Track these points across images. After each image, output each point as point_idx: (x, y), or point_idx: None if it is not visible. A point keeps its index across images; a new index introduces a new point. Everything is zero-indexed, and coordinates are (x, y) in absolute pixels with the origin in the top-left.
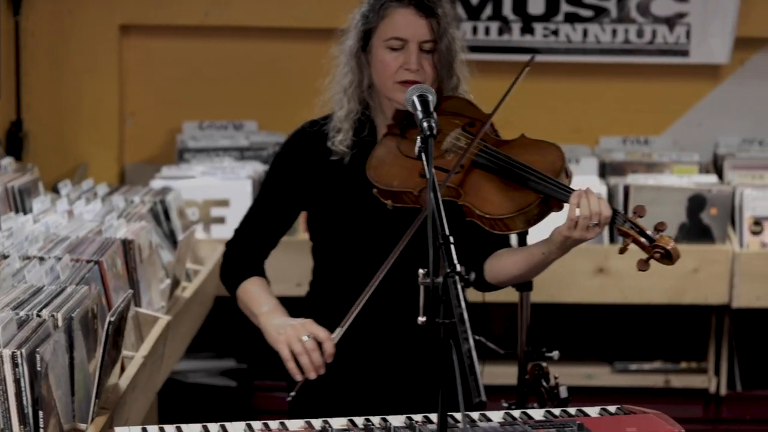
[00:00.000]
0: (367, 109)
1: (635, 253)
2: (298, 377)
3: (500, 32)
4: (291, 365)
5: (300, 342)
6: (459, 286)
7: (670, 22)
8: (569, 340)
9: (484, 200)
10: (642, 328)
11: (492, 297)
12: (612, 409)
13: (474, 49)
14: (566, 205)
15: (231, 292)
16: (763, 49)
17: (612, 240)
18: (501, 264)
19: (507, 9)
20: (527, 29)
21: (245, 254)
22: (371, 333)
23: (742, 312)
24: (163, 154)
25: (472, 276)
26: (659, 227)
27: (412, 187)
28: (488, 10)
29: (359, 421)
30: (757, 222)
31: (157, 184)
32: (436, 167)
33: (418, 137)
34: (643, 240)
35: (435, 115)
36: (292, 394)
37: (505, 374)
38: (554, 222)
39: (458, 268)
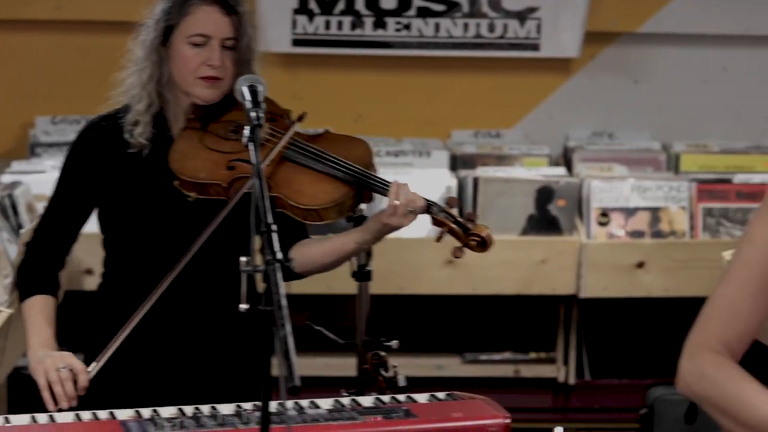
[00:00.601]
0: (161, 104)
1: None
2: (51, 406)
3: (353, 27)
4: (45, 394)
5: (56, 371)
6: (279, 274)
7: (521, 16)
8: (419, 332)
9: (296, 192)
10: (491, 319)
11: (341, 289)
12: (441, 395)
13: (327, 43)
14: (377, 197)
15: (21, 299)
16: (613, 44)
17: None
18: (309, 253)
19: (360, 4)
20: (380, 24)
21: (42, 258)
22: (185, 322)
23: (590, 302)
24: (15, 149)
25: (293, 263)
26: (470, 217)
27: (221, 179)
28: (341, 5)
29: (188, 410)
30: (604, 213)
31: (6, 178)
32: (243, 160)
33: (246, 127)
34: (458, 229)
35: (263, 105)
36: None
37: (346, 365)
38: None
39: (279, 255)
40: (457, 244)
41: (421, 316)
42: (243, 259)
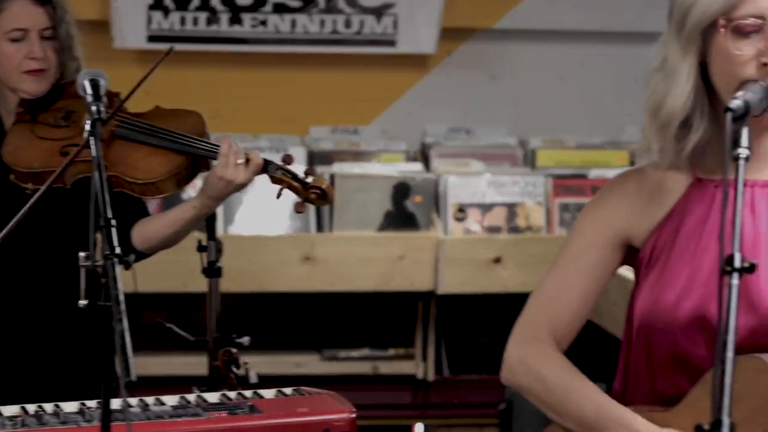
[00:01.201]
0: None
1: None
2: None
3: (208, 23)
4: None
5: None
6: (117, 269)
7: (378, 12)
8: (278, 329)
9: (132, 168)
10: (350, 315)
11: (197, 287)
12: (288, 391)
13: (183, 39)
14: (214, 163)
15: None
16: (469, 40)
17: (320, 228)
18: (151, 228)
19: (216, 0)
20: (236, 20)
21: None
22: (28, 318)
23: (448, 298)
24: None
25: (132, 258)
26: (309, 172)
27: (55, 165)
28: (196, 1)
29: (31, 408)
30: (461, 209)
31: None
32: (75, 145)
33: (87, 121)
34: (296, 184)
35: (104, 99)
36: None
37: (200, 363)
38: None
39: (117, 250)
40: (298, 199)
41: (279, 313)
42: (82, 254)
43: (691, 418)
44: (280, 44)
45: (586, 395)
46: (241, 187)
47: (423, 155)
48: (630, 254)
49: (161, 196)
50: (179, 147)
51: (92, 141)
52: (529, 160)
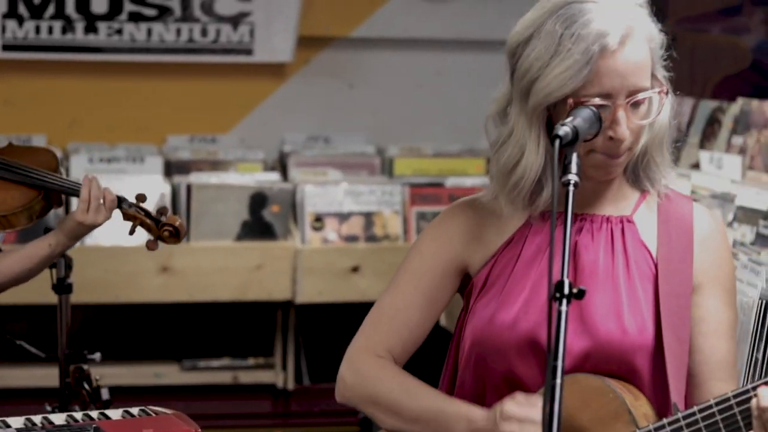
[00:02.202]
0: None
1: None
2: None
3: (64, 31)
4: None
5: None
6: None
7: (234, 21)
8: (137, 340)
9: None
10: (209, 325)
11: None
12: (134, 411)
13: (38, 48)
14: (74, 200)
15: None
16: (326, 48)
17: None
18: (2, 264)
19: (70, 8)
20: (91, 28)
21: None
22: None
23: (306, 307)
24: None
25: None
26: (162, 211)
27: None
28: (51, 9)
29: None
30: (318, 218)
31: None
32: None
33: None
34: (149, 221)
35: None
36: None
37: (54, 375)
38: None
39: None
40: (151, 237)
41: (138, 324)
42: None
43: None
44: (136, 53)
45: (422, 393)
46: (99, 226)
47: (281, 164)
48: (464, 281)
49: (13, 229)
50: (32, 182)
51: None
52: (387, 168)
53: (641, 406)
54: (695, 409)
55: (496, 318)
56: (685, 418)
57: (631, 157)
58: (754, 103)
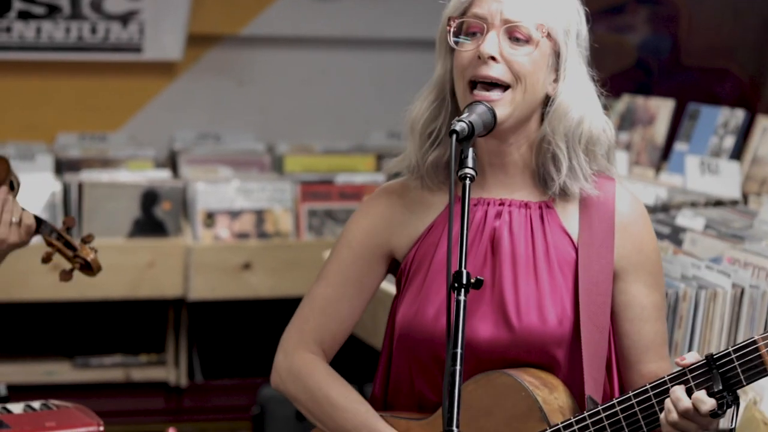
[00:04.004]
0: None
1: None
2: None
3: None
4: None
5: None
6: None
7: (124, 19)
8: (28, 338)
9: None
10: (101, 323)
11: None
12: (36, 405)
13: None
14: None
15: None
16: (216, 46)
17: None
18: None
19: None
20: None
21: None
22: None
23: (199, 304)
24: None
25: None
26: (87, 239)
27: None
28: None
29: None
30: (210, 215)
31: None
32: None
33: None
34: (67, 251)
35: None
36: None
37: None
38: None
39: None
40: (67, 266)
41: (29, 321)
42: None
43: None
44: (26, 51)
45: (348, 408)
46: (15, 247)
47: (171, 162)
48: (393, 264)
49: None
50: None
51: None
52: (277, 165)
53: (556, 399)
54: (600, 407)
55: (419, 314)
56: (591, 416)
57: (518, 109)
58: (639, 100)
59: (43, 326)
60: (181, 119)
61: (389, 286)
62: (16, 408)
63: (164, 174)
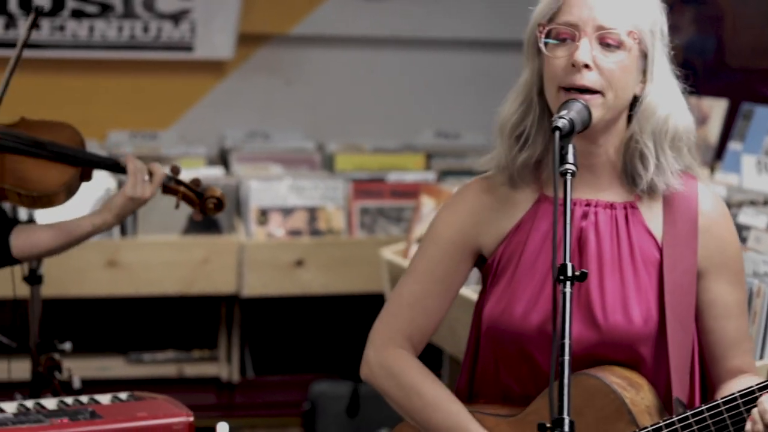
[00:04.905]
0: None
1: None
2: None
3: (6, 27)
4: None
5: None
6: None
7: (175, 18)
8: (83, 333)
9: (23, 180)
10: (155, 319)
11: (6, 292)
12: (123, 396)
13: None
14: (96, 173)
15: None
16: (266, 45)
17: (123, 233)
18: (34, 238)
19: (12, 4)
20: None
21: None
22: None
23: (251, 301)
24: None
25: None
26: (197, 182)
27: None
28: None
29: None
30: (263, 213)
31: None
32: None
33: None
34: (191, 194)
35: None
36: None
37: (20, 368)
38: None
39: None
40: (193, 209)
41: (84, 317)
42: None
43: (534, 428)
44: (78, 49)
45: (442, 407)
46: (146, 202)
47: (222, 159)
48: (479, 260)
49: (52, 207)
50: (70, 159)
51: None
52: (327, 164)
53: (643, 400)
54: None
55: (508, 310)
56: (680, 421)
57: (609, 112)
58: (692, 100)
59: (97, 322)
60: (230, 118)
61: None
62: (104, 399)
63: (217, 172)
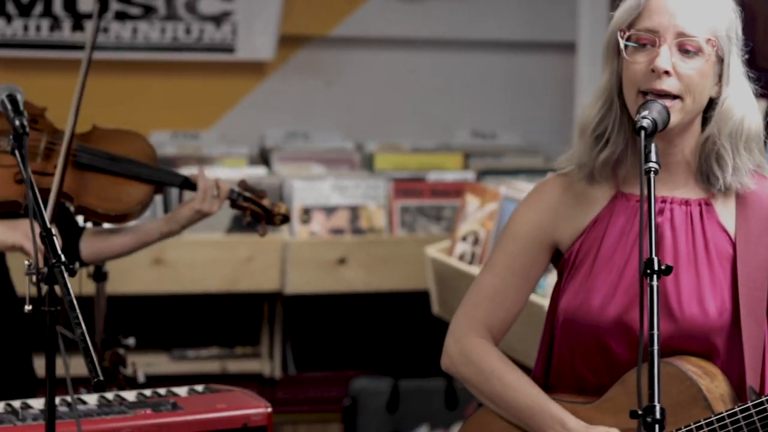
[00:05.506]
0: None
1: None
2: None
3: (51, 29)
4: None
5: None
6: (66, 275)
7: (217, 20)
8: (128, 330)
9: (103, 199)
10: (198, 316)
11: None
12: (199, 388)
13: (25, 46)
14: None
15: None
16: (305, 46)
17: None
18: (105, 244)
19: (57, 7)
20: (78, 26)
21: None
22: None
23: (293, 298)
24: None
25: (77, 266)
26: (262, 195)
27: (15, 196)
28: (39, 8)
29: None
30: (306, 211)
31: None
32: (41, 173)
33: (11, 137)
34: (258, 209)
35: (25, 113)
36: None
37: (82, 364)
38: None
39: (63, 258)
40: (259, 223)
41: (130, 314)
42: (26, 262)
43: (611, 414)
44: (122, 51)
45: (523, 390)
46: (212, 215)
47: (263, 159)
48: (555, 254)
49: (128, 221)
50: (148, 178)
51: (18, 156)
52: (367, 163)
53: (717, 388)
54: (763, 398)
55: (586, 303)
56: (755, 407)
57: (687, 115)
58: None
59: (142, 319)
60: (270, 118)
61: None
62: (181, 391)
63: (260, 171)
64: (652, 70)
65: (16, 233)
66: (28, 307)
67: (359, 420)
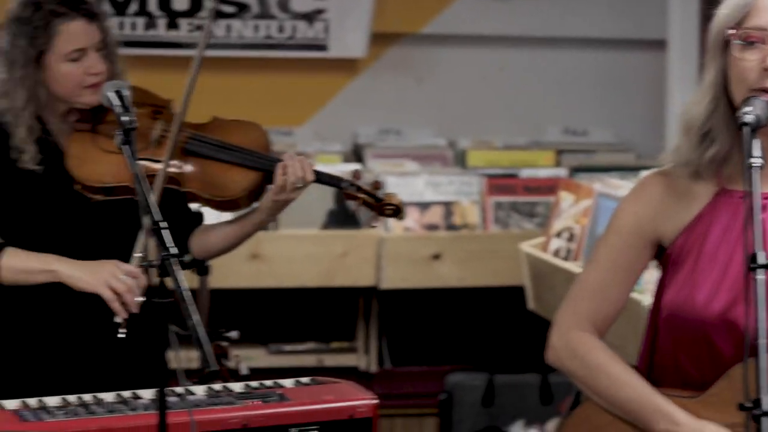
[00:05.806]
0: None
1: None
2: (123, 315)
3: (146, 27)
4: (116, 305)
5: (119, 281)
6: (179, 268)
7: (310, 18)
8: (226, 324)
9: (209, 185)
10: (295, 310)
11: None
12: (305, 380)
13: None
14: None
15: None
16: (397, 44)
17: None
18: (212, 239)
19: (153, 5)
20: (172, 25)
21: None
22: (84, 319)
23: (388, 293)
24: None
25: (187, 257)
26: (377, 186)
27: (128, 181)
28: (134, 6)
29: (72, 398)
30: None
31: None
32: (146, 159)
33: (119, 131)
34: (370, 200)
35: (133, 109)
36: (123, 330)
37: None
38: None
39: (174, 250)
40: (372, 213)
41: (226, 308)
42: (137, 254)
43: (717, 408)
44: (216, 48)
45: (630, 384)
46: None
47: (356, 156)
48: (658, 250)
49: (236, 210)
50: (253, 164)
51: (126, 151)
52: (460, 160)
53: None
54: None
55: (690, 299)
56: None
57: None
58: None
59: (239, 313)
60: (362, 115)
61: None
62: (287, 383)
63: (354, 168)
64: (765, 69)
65: (97, 280)
66: (139, 299)
67: (455, 414)
